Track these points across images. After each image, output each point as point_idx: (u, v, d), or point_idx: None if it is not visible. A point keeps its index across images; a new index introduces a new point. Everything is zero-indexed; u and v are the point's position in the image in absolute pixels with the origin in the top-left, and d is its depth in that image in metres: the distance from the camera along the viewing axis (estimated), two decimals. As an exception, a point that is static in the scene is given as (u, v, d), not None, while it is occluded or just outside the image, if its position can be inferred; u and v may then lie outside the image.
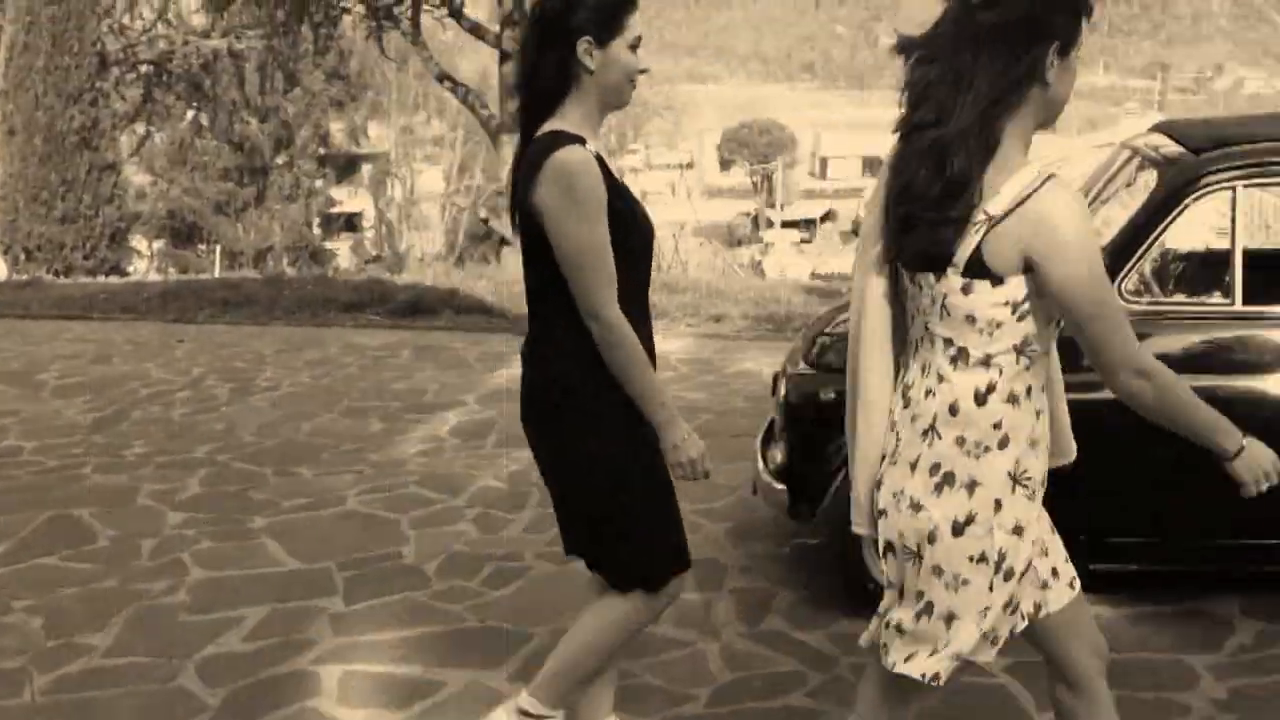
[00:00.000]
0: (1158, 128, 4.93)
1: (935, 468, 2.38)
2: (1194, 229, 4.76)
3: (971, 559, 2.37)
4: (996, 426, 2.36)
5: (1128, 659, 3.98)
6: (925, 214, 2.31)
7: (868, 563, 4.24)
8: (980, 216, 2.26)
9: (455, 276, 14.06)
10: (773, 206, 53.34)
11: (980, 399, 2.35)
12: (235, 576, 4.80)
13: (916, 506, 2.39)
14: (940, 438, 2.37)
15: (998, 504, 2.37)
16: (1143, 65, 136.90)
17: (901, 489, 2.42)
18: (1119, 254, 4.13)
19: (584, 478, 3.01)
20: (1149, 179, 4.42)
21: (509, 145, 14.45)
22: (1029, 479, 2.41)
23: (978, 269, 2.28)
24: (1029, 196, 2.25)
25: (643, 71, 2.95)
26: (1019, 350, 2.34)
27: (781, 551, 4.87)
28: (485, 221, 21.46)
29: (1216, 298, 4.20)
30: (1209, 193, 4.15)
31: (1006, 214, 2.25)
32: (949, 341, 2.37)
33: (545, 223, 2.84)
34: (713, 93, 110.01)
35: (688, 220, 30.26)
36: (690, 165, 72.04)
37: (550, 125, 2.89)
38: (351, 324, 10.05)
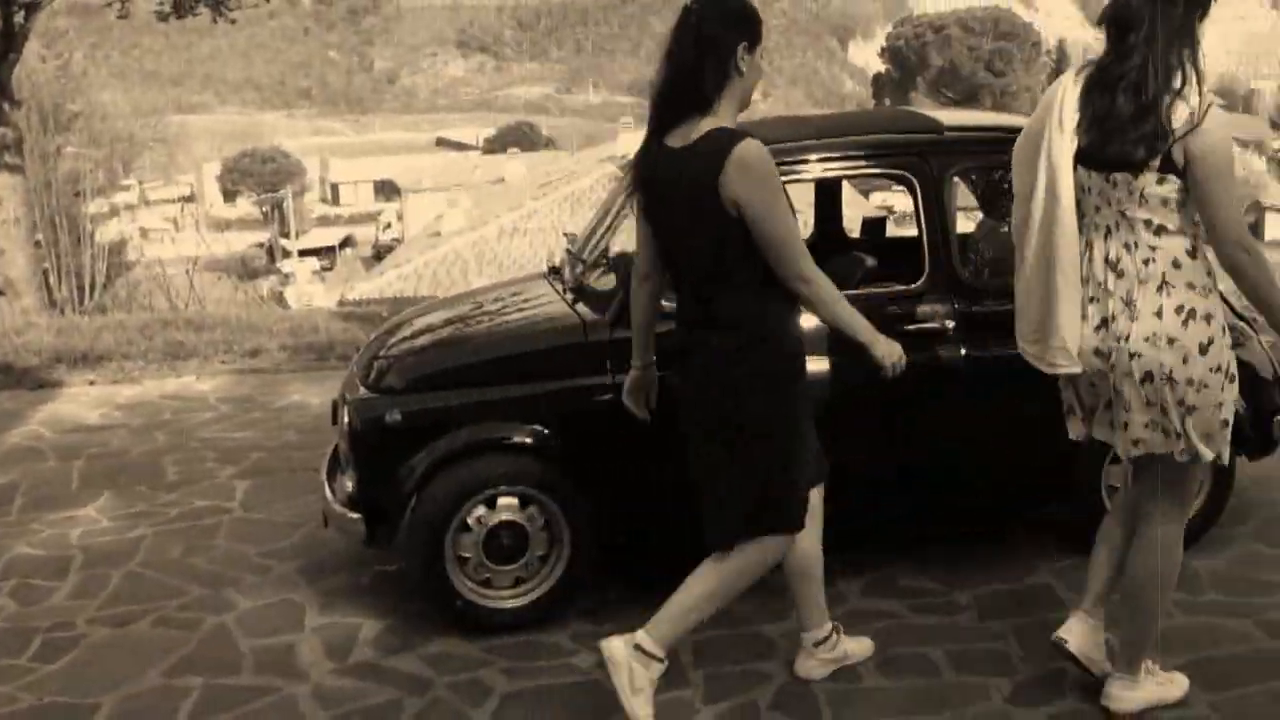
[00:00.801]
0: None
1: (1179, 308, 3.27)
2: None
3: (1211, 370, 3.29)
4: (1209, 274, 3.33)
5: (710, 637, 4.21)
6: (1128, 129, 3.24)
7: (452, 580, 4.26)
8: (1173, 127, 3.18)
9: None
10: (287, 236, 52.10)
11: (1191, 254, 3.30)
12: None
13: (1171, 340, 3.26)
14: (1175, 287, 3.28)
15: (1221, 328, 3.31)
16: (629, 82, 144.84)
17: (1154, 332, 3.27)
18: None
19: (758, 432, 3.43)
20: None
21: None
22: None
23: (1167, 167, 3.22)
24: (1203, 116, 3.17)
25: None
26: (1194, 221, 3.29)
27: (361, 582, 4.78)
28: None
29: None
30: None
31: (1187, 131, 3.17)
32: (1148, 221, 3.30)
33: (748, 209, 3.26)
34: (206, 122, 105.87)
35: (199, 255, 28.99)
36: (191, 198, 68.93)
37: (708, 123, 3.31)
38: None
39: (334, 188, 73.69)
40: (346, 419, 4.48)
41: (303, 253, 50.40)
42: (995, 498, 4.70)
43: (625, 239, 4.91)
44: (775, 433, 3.46)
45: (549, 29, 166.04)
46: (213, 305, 17.99)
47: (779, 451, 3.48)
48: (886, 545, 4.77)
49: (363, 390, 4.51)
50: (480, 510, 4.27)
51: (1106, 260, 3.36)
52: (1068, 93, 3.38)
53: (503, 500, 4.28)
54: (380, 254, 45.04)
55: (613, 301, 4.37)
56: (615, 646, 3.51)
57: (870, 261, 5.05)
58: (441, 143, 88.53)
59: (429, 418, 4.29)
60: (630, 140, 30.85)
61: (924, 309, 4.38)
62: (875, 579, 4.61)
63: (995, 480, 4.61)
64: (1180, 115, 3.19)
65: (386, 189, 64.80)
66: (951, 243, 4.50)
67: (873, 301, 4.45)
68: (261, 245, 53.08)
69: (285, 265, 46.35)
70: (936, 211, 4.47)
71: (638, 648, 3.50)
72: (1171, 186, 3.25)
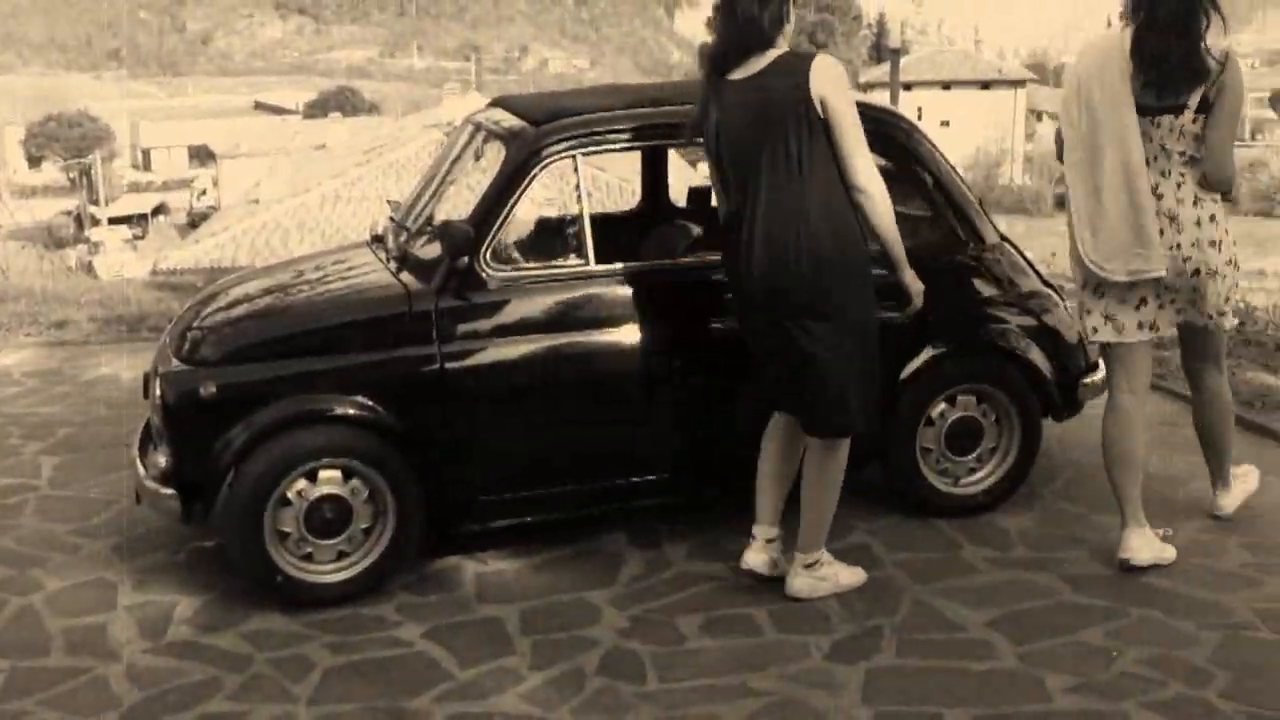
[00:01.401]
0: (496, 103, 5.20)
1: (1212, 217, 4.21)
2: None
3: (1227, 262, 4.27)
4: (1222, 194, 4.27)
5: (537, 605, 4.23)
6: (1178, 71, 4.05)
7: (272, 555, 4.17)
8: (1210, 67, 4.05)
9: None
10: (96, 203, 50.04)
11: (1205, 182, 4.21)
12: None
13: (1212, 243, 4.21)
14: (1205, 200, 4.21)
15: (1226, 231, 4.25)
16: (455, 47, 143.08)
17: (1197, 239, 4.19)
18: (479, 225, 4.33)
19: (842, 330, 3.92)
20: (495, 151, 4.66)
21: None
22: None
23: (1202, 106, 4.09)
24: (1226, 56, 4.05)
25: None
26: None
27: (177, 559, 4.64)
28: None
29: (573, 259, 4.52)
30: (554, 161, 4.45)
31: (1220, 72, 4.05)
32: (1183, 153, 4.17)
33: (831, 103, 3.84)
34: (7, 83, 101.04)
35: (2, 224, 27.61)
36: (-8, 164, 65.73)
37: (772, 53, 3.91)
38: None
39: (145, 153, 71.12)
40: (159, 392, 4.33)
41: (113, 220, 48.41)
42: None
43: (450, 206, 4.86)
44: (868, 330, 4.02)
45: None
46: (17, 276, 17.17)
47: (868, 351, 4.04)
48: (710, 509, 4.83)
49: (176, 362, 4.36)
50: (301, 484, 4.18)
51: (1151, 188, 4.17)
52: (1123, 43, 4.13)
53: (324, 473, 4.20)
54: (195, 222, 43.56)
55: (437, 269, 4.32)
56: (793, 584, 4.20)
57: (696, 230, 5.10)
58: (260, 107, 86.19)
59: (246, 390, 4.18)
60: (457, 106, 30.43)
61: None
62: (700, 542, 4.67)
63: None
64: (1213, 56, 4.02)
65: (201, 154, 62.71)
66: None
67: (701, 270, 4.50)
68: (69, 213, 50.84)
69: (94, 234, 44.51)
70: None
71: (806, 567, 4.18)
72: (1200, 123, 4.12)
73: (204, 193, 52.57)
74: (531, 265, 4.56)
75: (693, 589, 4.32)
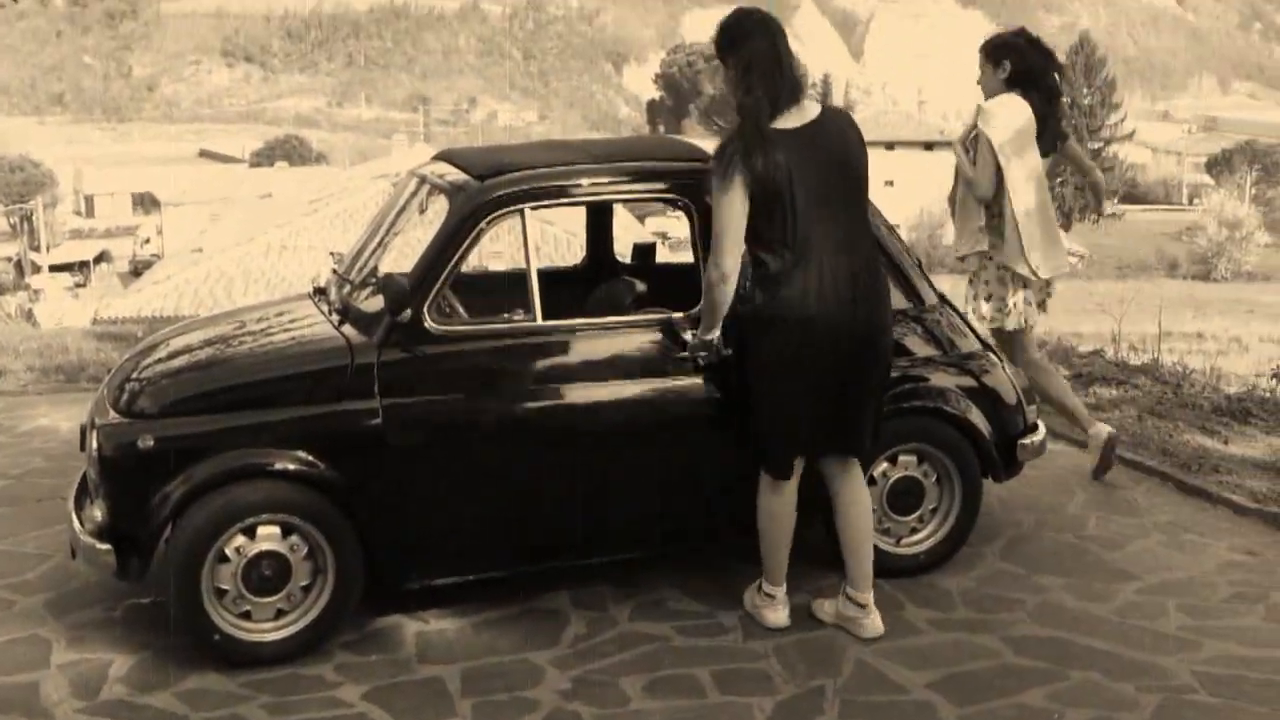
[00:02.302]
0: (440, 156, 5.19)
1: None
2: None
3: None
4: None
5: (478, 665, 4.18)
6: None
7: (209, 613, 4.11)
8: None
9: None
10: (37, 249, 49.50)
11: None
12: None
13: None
14: None
15: None
16: (404, 98, 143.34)
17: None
18: (422, 279, 4.31)
19: (888, 356, 4.37)
20: (440, 205, 4.66)
21: None
22: None
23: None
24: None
25: None
26: None
27: (113, 616, 4.55)
28: None
29: (519, 315, 4.51)
30: (498, 217, 4.45)
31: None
32: None
33: (865, 169, 4.30)
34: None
35: (-60, 268, 27.23)
36: (-69, 207, 64.80)
37: (809, 103, 4.22)
38: None
39: (89, 200, 70.49)
40: (95, 445, 4.26)
41: (54, 268, 47.90)
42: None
43: (394, 259, 4.85)
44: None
45: (319, 40, 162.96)
46: (-47, 322, 16.92)
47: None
48: (655, 569, 4.82)
49: (113, 414, 4.30)
50: (239, 540, 4.13)
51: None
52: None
53: (263, 529, 4.15)
54: (138, 270, 43.23)
55: (379, 323, 4.30)
56: (826, 612, 4.49)
57: (640, 286, 5.12)
58: (205, 154, 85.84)
59: (185, 443, 4.14)
60: (405, 157, 30.47)
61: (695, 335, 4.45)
62: (644, 602, 4.65)
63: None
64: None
65: (146, 202, 62.32)
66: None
67: (645, 326, 4.51)
68: (9, 259, 50.29)
69: (35, 281, 43.98)
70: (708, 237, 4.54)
71: (852, 600, 4.41)
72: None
73: (147, 241, 52.19)
74: (475, 321, 4.55)
75: (637, 649, 4.30)
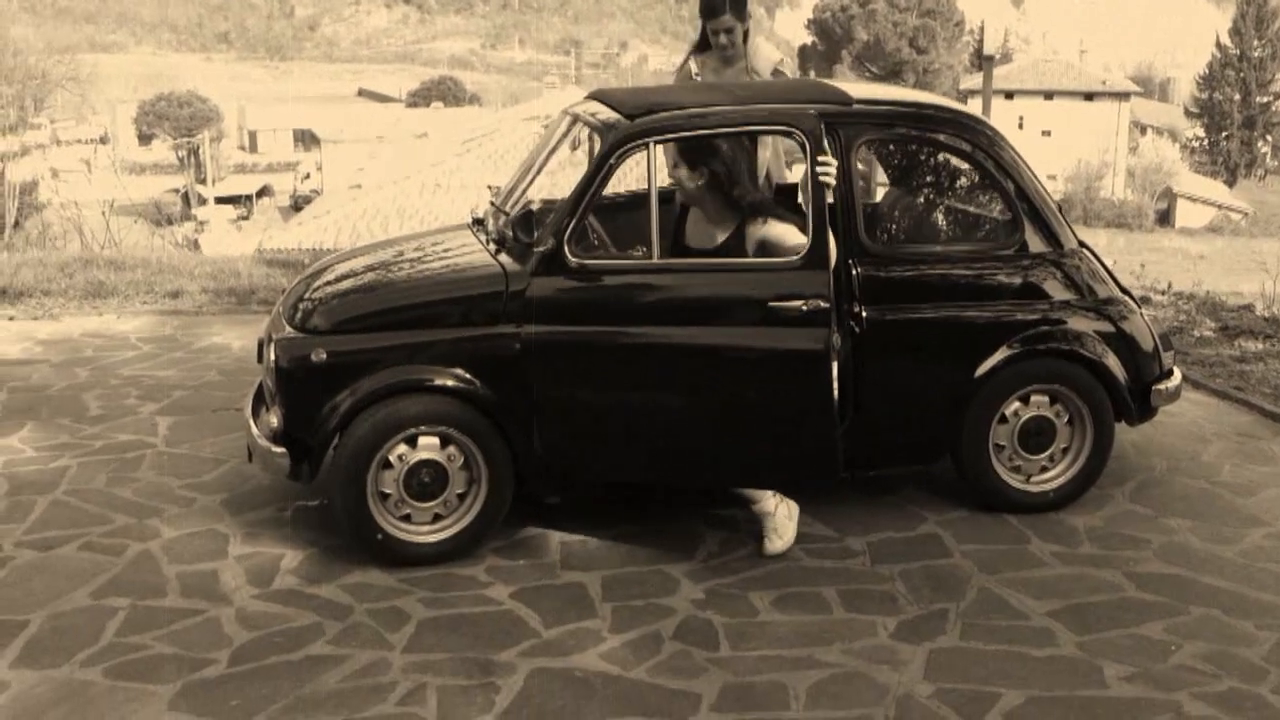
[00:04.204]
0: (593, 95, 5.38)
1: None
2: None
3: None
4: None
5: (618, 574, 4.45)
6: None
7: (373, 514, 4.44)
8: None
9: None
10: (204, 183, 51.25)
11: None
12: None
13: None
14: None
15: None
16: (555, 41, 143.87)
17: None
18: (566, 212, 4.49)
19: None
20: (590, 141, 4.87)
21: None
22: None
23: None
24: None
25: None
26: None
27: (283, 515, 4.94)
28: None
29: (640, 252, 4.64)
30: (633, 150, 4.58)
31: None
32: None
33: None
34: (120, 63, 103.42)
35: (116, 198, 28.40)
36: (105, 140, 67.46)
37: None
38: None
39: (252, 135, 72.55)
40: (273, 357, 4.61)
41: (219, 200, 49.61)
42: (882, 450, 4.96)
43: (547, 192, 5.10)
44: None
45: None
46: (129, 249, 17.74)
47: None
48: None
49: (289, 329, 4.65)
50: (402, 448, 4.45)
51: None
52: None
53: (424, 440, 4.46)
54: (299, 205, 44.46)
55: (530, 254, 4.52)
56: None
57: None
58: (364, 93, 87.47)
59: (353, 358, 4.46)
60: (556, 99, 30.72)
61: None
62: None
63: (884, 436, 4.87)
64: None
65: (306, 138, 63.97)
66: (857, 210, 4.74)
67: (759, 270, 4.65)
68: (177, 191, 52.14)
69: (201, 213, 45.61)
70: (843, 180, 4.69)
71: None
72: None
73: (308, 176, 53.54)
74: (606, 256, 4.72)
75: (766, 567, 4.52)
